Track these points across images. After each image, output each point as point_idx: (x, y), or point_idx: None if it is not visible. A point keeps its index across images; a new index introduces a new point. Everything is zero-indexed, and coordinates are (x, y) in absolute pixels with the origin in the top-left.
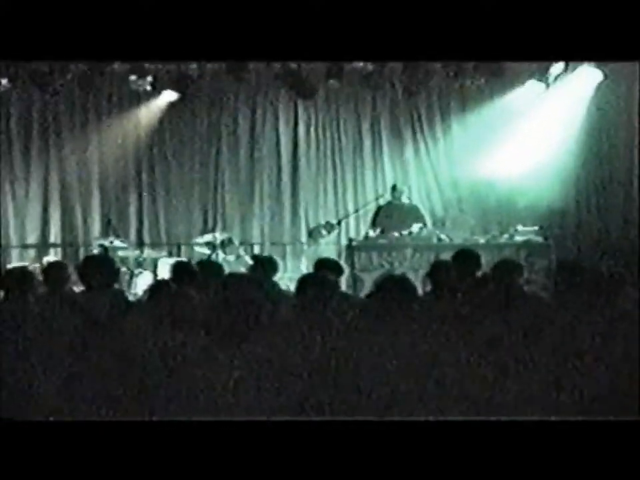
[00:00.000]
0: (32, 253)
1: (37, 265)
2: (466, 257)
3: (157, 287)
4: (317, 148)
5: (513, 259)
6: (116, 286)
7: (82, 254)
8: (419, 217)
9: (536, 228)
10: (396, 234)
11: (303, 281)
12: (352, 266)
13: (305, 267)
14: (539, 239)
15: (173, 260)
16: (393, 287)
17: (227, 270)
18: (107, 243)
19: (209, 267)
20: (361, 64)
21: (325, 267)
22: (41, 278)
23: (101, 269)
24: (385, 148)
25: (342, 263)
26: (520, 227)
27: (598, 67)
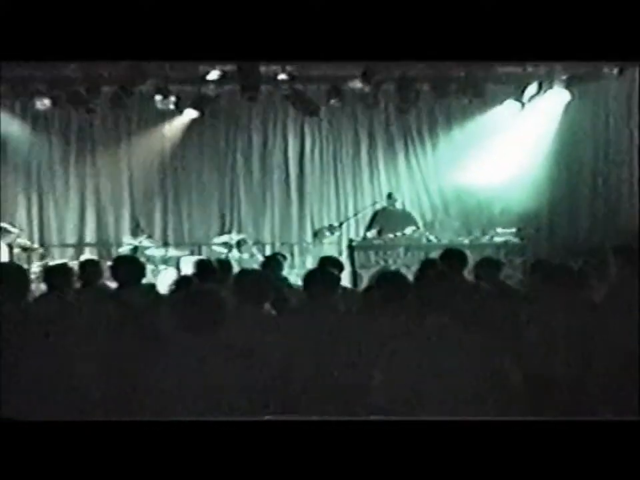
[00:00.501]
0: (70, 251)
1: (75, 262)
2: (453, 255)
3: (181, 282)
4: (321, 159)
5: (494, 257)
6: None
7: (114, 252)
8: (411, 221)
9: (513, 230)
10: (390, 235)
11: (310, 275)
12: (352, 263)
13: (311, 264)
14: (516, 240)
15: (194, 258)
16: (389, 280)
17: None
18: (136, 243)
19: (227, 264)
20: (359, 85)
21: (328, 264)
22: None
23: (130, 268)
24: (380, 159)
25: (343, 260)
26: (499, 229)
27: (566, 89)
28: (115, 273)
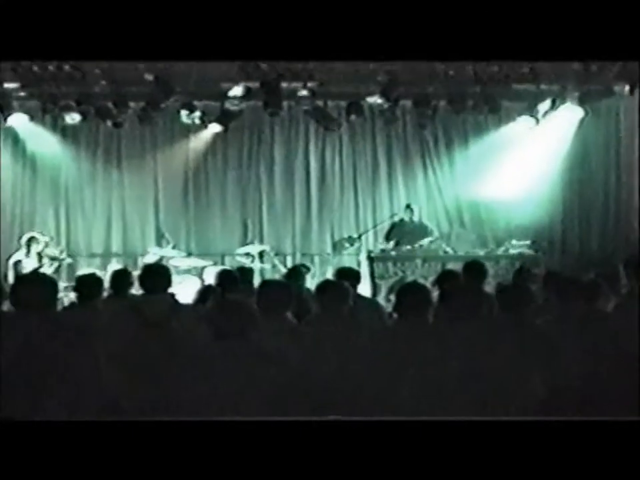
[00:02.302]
0: (97, 261)
1: (103, 272)
2: (475, 267)
3: (205, 291)
4: (341, 173)
5: (530, 268)
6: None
7: (140, 262)
8: (428, 233)
9: (528, 242)
10: (408, 247)
11: (322, 286)
12: (371, 274)
13: (330, 274)
14: (531, 252)
15: (217, 268)
16: (411, 292)
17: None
18: (162, 253)
19: (248, 272)
20: (378, 101)
21: (345, 275)
22: (107, 284)
23: (158, 275)
24: (398, 173)
25: (361, 271)
26: (514, 241)
27: (579, 105)
28: (143, 280)
